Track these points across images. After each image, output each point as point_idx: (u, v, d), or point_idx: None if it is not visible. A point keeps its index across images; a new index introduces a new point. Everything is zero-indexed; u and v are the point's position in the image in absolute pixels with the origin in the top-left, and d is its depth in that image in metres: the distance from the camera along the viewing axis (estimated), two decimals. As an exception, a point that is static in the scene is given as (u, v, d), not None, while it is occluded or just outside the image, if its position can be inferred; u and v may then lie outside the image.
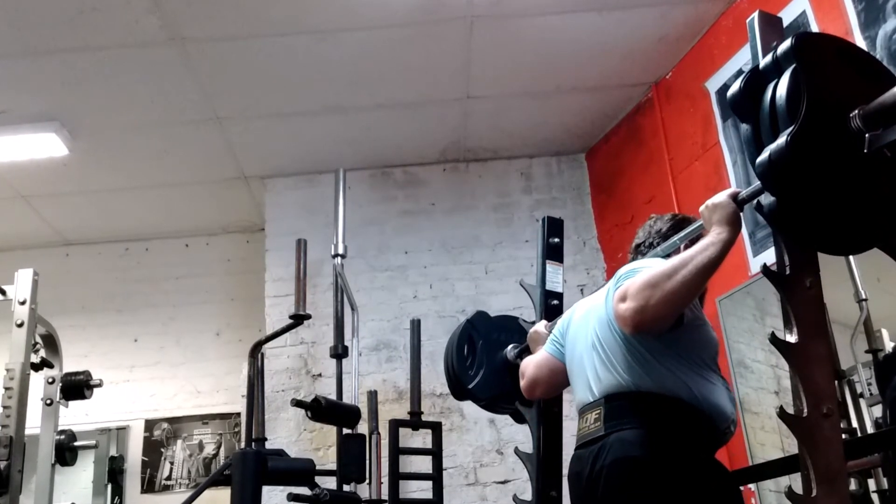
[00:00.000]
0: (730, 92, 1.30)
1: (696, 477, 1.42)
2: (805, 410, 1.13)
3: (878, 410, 2.16)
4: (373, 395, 3.37)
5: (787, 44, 1.22)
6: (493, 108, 3.65)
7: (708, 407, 1.50)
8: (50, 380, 2.87)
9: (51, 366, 2.89)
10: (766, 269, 1.26)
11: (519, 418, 2.24)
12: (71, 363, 3.13)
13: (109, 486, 4.01)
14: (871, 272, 2.22)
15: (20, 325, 2.62)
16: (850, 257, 2.28)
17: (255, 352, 3.58)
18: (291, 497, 2.52)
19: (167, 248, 4.51)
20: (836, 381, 2.12)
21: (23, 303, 2.65)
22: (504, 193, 4.04)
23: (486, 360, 2.16)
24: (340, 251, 3.42)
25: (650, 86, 3.55)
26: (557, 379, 1.78)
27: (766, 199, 1.29)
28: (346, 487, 2.95)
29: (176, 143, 3.69)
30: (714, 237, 1.39)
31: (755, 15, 1.36)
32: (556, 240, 2.26)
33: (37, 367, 2.75)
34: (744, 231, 2.83)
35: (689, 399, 1.48)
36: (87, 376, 2.97)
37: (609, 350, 1.57)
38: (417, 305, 3.73)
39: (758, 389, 2.81)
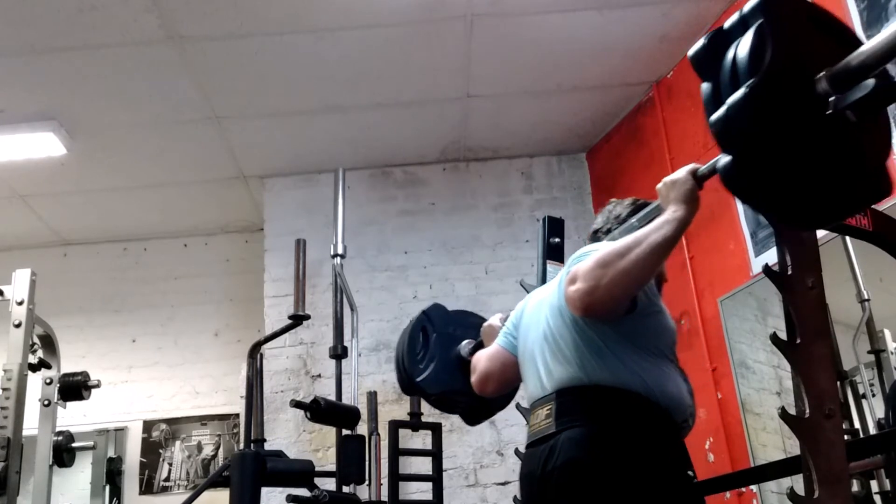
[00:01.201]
0: (691, 50, 1.24)
1: (650, 483, 1.35)
2: (807, 411, 1.12)
3: (880, 411, 2.16)
4: (372, 396, 3.36)
5: (754, 1, 1.17)
6: (494, 108, 3.64)
7: (664, 399, 1.41)
8: (48, 380, 2.87)
9: (48, 366, 2.89)
10: (767, 269, 1.24)
11: (469, 419, 2.18)
12: (69, 364, 3.13)
13: (107, 488, 4.00)
14: (874, 272, 2.21)
15: (18, 326, 2.61)
16: (853, 257, 2.28)
17: (254, 352, 3.58)
18: (291, 498, 2.51)
19: (166, 248, 4.50)
20: (839, 382, 2.12)
21: (20, 303, 2.64)
22: (504, 193, 4.03)
23: (438, 354, 2.10)
24: (340, 251, 3.41)
25: (651, 85, 3.54)
26: (510, 373, 1.69)
27: (724, 160, 1.24)
28: (345, 489, 2.94)
29: (174, 142, 3.68)
30: (670, 215, 1.33)
31: (757, 10, 1.34)
32: (557, 240, 2.25)
33: (34, 368, 2.75)
34: (745, 231, 2.82)
35: (643, 391, 1.40)
36: (84, 377, 2.96)
37: (561, 340, 1.49)
38: (417, 306, 3.67)
39: (759, 390, 2.80)
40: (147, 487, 4.04)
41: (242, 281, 4.31)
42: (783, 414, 1.13)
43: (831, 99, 1.11)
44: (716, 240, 2.98)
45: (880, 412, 2.14)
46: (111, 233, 4.44)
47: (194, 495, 2.62)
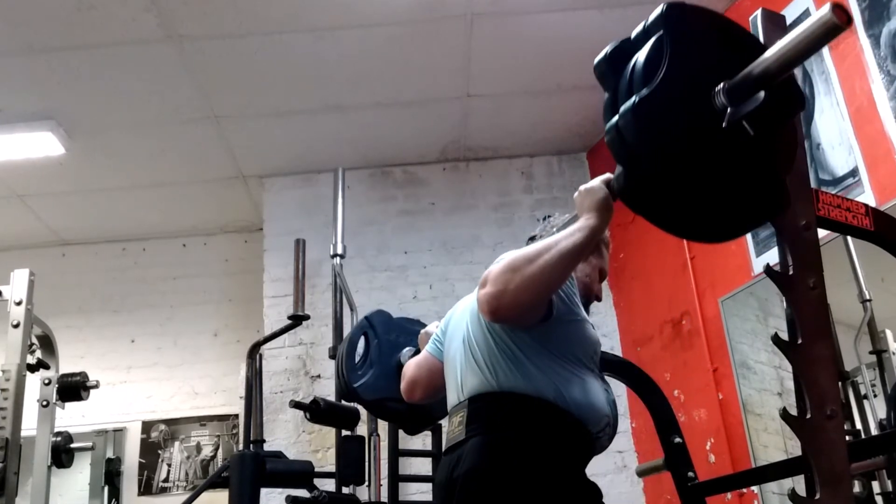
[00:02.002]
0: (596, 59, 1.23)
1: (546, 492, 1.33)
2: (808, 412, 1.10)
3: (881, 411, 2.15)
4: (372, 397, 3.34)
5: (657, 11, 1.16)
6: (494, 107, 3.64)
7: (577, 408, 1.40)
8: (46, 381, 2.86)
9: (47, 367, 2.88)
10: (768, 270, 1.23)
11: (407, 428, 2.17)
12: (67, 364, 3.11)
13: (106, 489, 3.99)
14: (875, 272, 2.20)
15: (16, 326, 2.60)
16: (855, 257, 2.27)
17: (254, 353, 3.57)
18: (290, 499, 2.51)
19: (164, 248, 4.49)
20: (840, 383, 2.11)
21: (19, 303, 2.63)
22: (505, 193, 4.02)
23: (379, 360, 2.10)
24: (339, 251, 3.40)
25: (652, 84, 3.53)
26: (437, 380, 1.65)
27: (617, 171, 1.23)
28: (345, 490, 2.93)
29: (173, 142, 3.68)
30: (582, 223, 1.32)
31: (758, 13, 1.34)
32: (558, 240, 2.23)
33: (33, 369, 2.74)
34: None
35: (555, 399, 1.38)
36: (83, 377, 2.95)
37: (478, 346, 1.47)
38: (417, 306, 3.70)
39: (761, 391, 2.79)
40: (146, 488, 4.03)
41: (242, 281, 4.30)
42: (784, 414, 1.11)
43: (728, 111, 1.10)
44: (717, 239, 2.97)
45: (882, 413, 2.13)
46: (110, 233, 4.43)
47: (193, 496, 2.62)
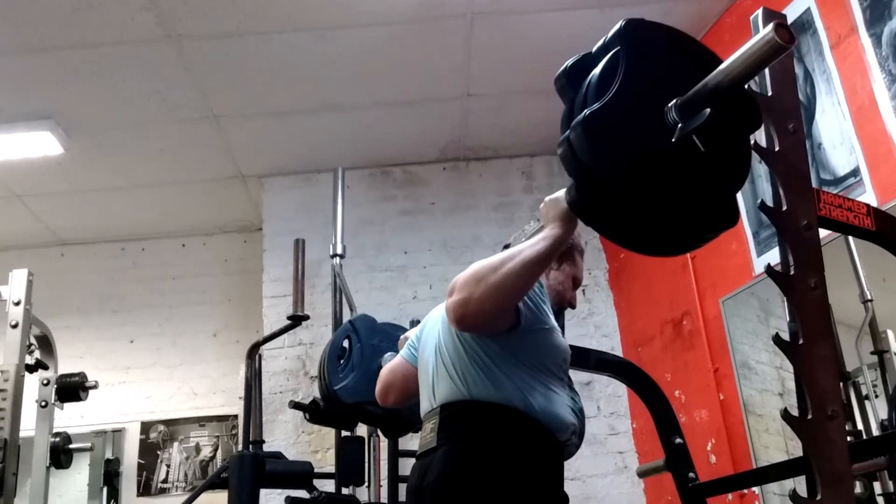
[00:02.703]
0: (557, 73, 1.25)
1: (513, 500, 1.35)
2: (809, 412, 1.09)
3: (883, 412, 2.14)
4: (372, 397, 3.33)
5: (615, 27, 1.18)
6: (494, 106, 3.63)
7: (544, 416, 1.42)
8: (45, 381, 2.86)
9: (45, 367, 2.87)
10: (769, 270, 1.23)
11: (386, 431, 2.17)
12: (66, 364, 3.10)
13: (105, 489, 3.98)
14: (877, 273, 2.19)
15: (14, 327, 2.60)
16: (856, 257, 2.26)
17: (253, 353, 3.56)
18: (289, 500, 2.50)
19: (164, 248, 4.48)
20: (842, 383, 2.10)
21: (17, 303, 2.63)
22: (505, 192, 4.01)
23: (360, 365, 2.11)
24: (339, 251, 3.39)
25: (652, 84, 3.53)
26: (410, 386, 1.67)
27: (569, 185, 1.25)
28: (344, 491, 2.92)
29: (172, 141, 3.67)
30: (547, 232, 1.34)
31: (759, 12, 1.33)
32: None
33: (31, 369, 2.73)
34: (748, 231, 2.80)
35: (524, 408, 1.40)
36: (82, 378, 2.94)
37: (448, 354, 1.50)
38: (417, 306, 3.69)
39: (762, 391, 2.78)
40: (145, 489, 4.02)
41: (241, 281, 4.29)
42: (785, 415, 1.11)
43: (678, 127, 1.11)
44: (718, 239, 2.92)
45: (883, 413, 2.12)
46: (109, 233, 4.42)
47: (192, 497, 2.61)
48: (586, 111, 1.11)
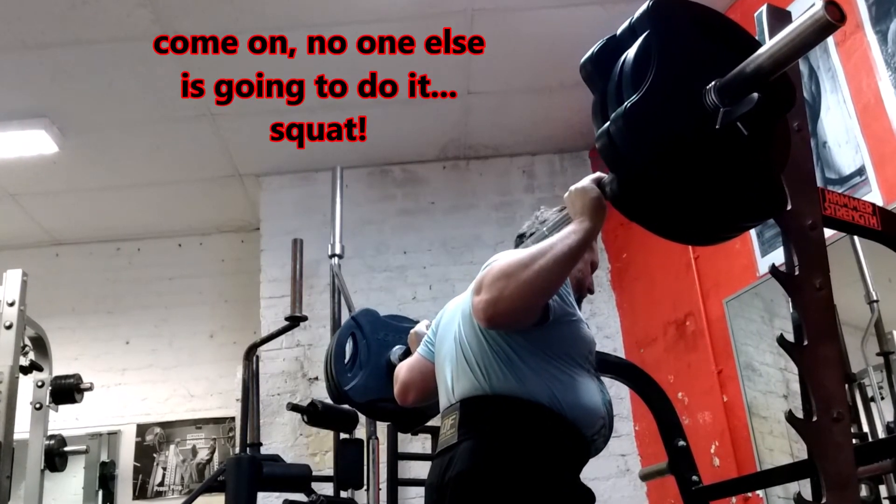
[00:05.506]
0: (582, 60, 1.20)
1: (542, 498, 1.32)
2: (814, 415, 1.09)
3: (889, 414, 2.13)
4: (371, 399, 3.31)
5: (642, 8, 1.13)
6: (495, 104, 3.61)
7: (571, 411, 1.38)
8: (39, 383, 2.84)
9: (40, 369, 2.86)
10: (774, 270, 1.21)
11: (402, 427, 2.13)
12: (61, 366, 3.08)
13: (100, 493, 3.99)
14: (883, 273, 2.17)
15: (9, 328, 2.58)
16: (862, 257, 2.24)
17: (250, 354, 3.54)
18: (287, 504, 2.47)
19: (160, 247, 4.46)
20: (847, 385, 2.08)
21: (11, 304, 2.60)
22: (506, 192, 3.99)
23: (368, 361, 2.07)
24: (337, 251, 3.38)
25: (653, 82, 3.51)
26: (431, 382, 1.63)
27: (609, 179, 1.22)
28: (343, 494, 2.91)
29: (169, 140, 3.65)
30: (577, 225, 1.31)
31: (763, 9, 1.32)
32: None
33: (26, 371, 2.72)
34: (752, 230, 2.78)
35: (549, 403, 1.37)
36: (77, 380, 2.93)
37: (471, 348, 1.46)
38: (417, 307, 3.67)
39: (766, 393, 2.76)
40: (141, 492, 4.00)
41: (238, 281, 4.27)
42: (790, 417, 1.10)
43: (721, 112, 1.08)
44: (720, 239, 2.95)
45: (889, 415, 2.11)
46: (104, 232, 4.40)
47: (189, 500, 2.58)
48: (627, 103, 1.07)
